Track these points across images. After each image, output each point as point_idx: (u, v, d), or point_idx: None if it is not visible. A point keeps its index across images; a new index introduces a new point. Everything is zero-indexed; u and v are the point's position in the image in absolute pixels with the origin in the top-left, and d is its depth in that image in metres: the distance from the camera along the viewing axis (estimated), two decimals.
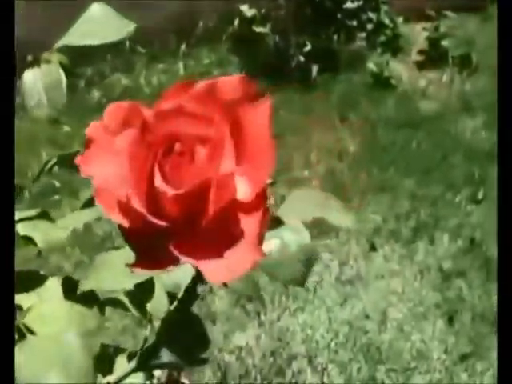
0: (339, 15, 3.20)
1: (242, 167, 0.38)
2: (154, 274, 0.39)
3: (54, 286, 0.60)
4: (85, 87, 3.06)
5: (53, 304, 0.58)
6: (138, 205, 0.37)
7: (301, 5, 3.14)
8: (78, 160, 0.39)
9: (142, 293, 0.57)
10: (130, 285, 0.53)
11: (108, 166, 0.38)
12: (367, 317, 1.89)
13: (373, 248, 2.16)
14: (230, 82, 0.39)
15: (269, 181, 0.40)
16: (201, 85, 0.39)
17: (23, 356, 0.51)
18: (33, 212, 0.66)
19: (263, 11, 3.20)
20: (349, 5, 3.20)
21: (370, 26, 3.31)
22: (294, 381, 1.73)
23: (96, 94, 3.03)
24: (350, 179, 2.47)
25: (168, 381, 0.58)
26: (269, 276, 0.43)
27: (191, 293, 0.47)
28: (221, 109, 0.39)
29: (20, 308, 0.59)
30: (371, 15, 3.31)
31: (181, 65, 3.18)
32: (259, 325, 1.89)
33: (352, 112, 2.89)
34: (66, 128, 2.74)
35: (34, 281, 0.62)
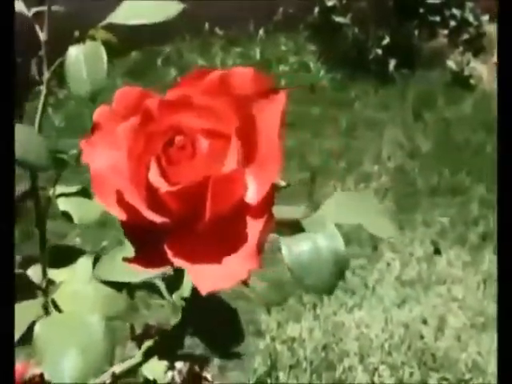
0: (422, 10, 3.13)
1: (249, 167, 0.36)
2: (150, 273, 0.36)
3: (85, 264, 0.58)
4: (161, 65, 3.10)
5: (82, 283, 0.56)
6: (132, 198, 0.35)
7: None
8: (82, 144, 0.37)
9: (174, 279, 0.55)
10: (137, 278, 0.50)
11: (107, 155, 0.36)
12: (424, 321, 1.86)
13: (437, 251, 2.11)
14: (244, 75, 0.36)
15: (283, 183, 0.37)
16: (214, 75, 0.36)
17: (44, 332, 0.50)
18: (73, 188, 0.66)
19: (344, 1, 3.15)
20: (432, 0, 3.12)
21: (453, 23, 3.22)
22: (343, 377, 1.72)
23: (172, 72, 3.06)
24: (420, 178, 2.42)
25: (189, 374, 0.57)
26: (296, 281, 0.40)
27: None
28: (232, 103, 0.36)
29: (52, 283, 0.58)
30: (455, 12, 3.22)
31: (257, 50, 3.18)
32: (314, 317, 1.87)
33: (427, 110, 2.83)
34: None
35: (67, 257, 0.60)
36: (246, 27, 3.23)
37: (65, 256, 0.60)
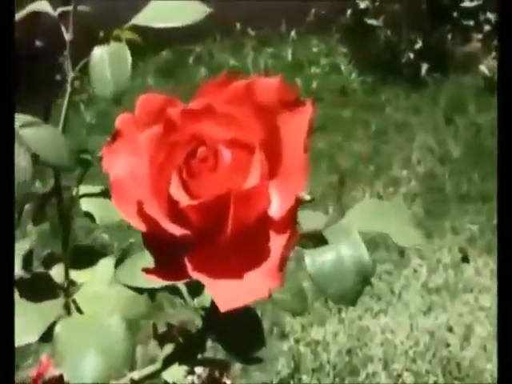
0: (455, 14, 3.09)
1: (273, 180, 0.35)
2: (168, 283, 0.35)
3: (107, 266, 0.58)
4: (192, 65, 3.11)
5: (103, 284, 0.56)
6: (152, 210, 0.34)
7: (416, 0, 3.05)
8: (103, 151, 0.36)
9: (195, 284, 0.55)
10: (158, 285, 0.49)
11: (128, 163, 0.35)
12: (450, 329, 1.83)
13: (465, 259, 2.09)
14: (269, 85, 0.35)
15: (307, 197, 0.36)
16: (238, 83, 0.35)
17: (65, 332, 0.50)
18: (96, 189, 0.66)
19: (377, 3, 3.13)
20: (467, 3, 3.08)
21: (487, 28, 3.18)
22: (367, 382, 1.71)
23: (203, 71, 3.07)
24: (450, 184, 2.40)
25: (208, 379, 0.57)
26: (319, 290, 0.40)
27: None
28: (256, 112, 0.34)
29: (73, 283, 0.58)
30: (490, 16, 3.18)
31: (289, 51, 3.17)
32: (339, 321, 1.86)
33: (459, 115, 2.80)
34: None
35: (88, 258, 0.60)
36: (278, 28, 3.22)
37: (86, 257, 0.60)
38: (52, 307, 0.52)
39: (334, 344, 1.80)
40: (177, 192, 0.34)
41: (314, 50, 3.22)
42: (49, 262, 0.61)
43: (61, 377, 0.46)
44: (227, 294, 0.32)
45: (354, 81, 2.97)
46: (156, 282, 0.34)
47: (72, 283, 0.58)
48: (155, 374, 0.45)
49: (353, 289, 0.40)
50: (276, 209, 0.34)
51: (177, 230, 0.33)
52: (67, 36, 0.60)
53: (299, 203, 0.35)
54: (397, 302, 1.91)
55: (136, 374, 0.44)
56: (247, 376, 1.71)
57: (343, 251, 0.40)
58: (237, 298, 0.32)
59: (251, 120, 0.34)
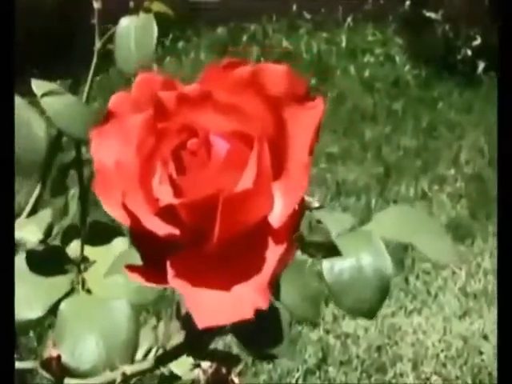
0: None
1: (277, 181, 0.30)
2: (148, 285, 0.30)
3: (120, 245, 0.55)
4: (246, 42, 3.08)
5: None
6: (134, 204, 0.29)
7: None
8: (91, 133, 0.32)
9: None
10: None
11: (117, 149, 0.31)
12: (485, 337, 1.79)
13: None
14: (277, 72, 0.30)
15: (316, 204, 0.32)
16: (243, 69, 0.30)
17: (68, 311, 0.48)
18: None
19: None
20: None
21: None
22: (394, 382, 1.68)
23: (255, 50, 3.04)
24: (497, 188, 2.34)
25: (214, 374, 0.55)
26: (334, 300, 0.36)
27: None
28: (262, 103, 0.30)
29: (86, 260, 0.55)
30: None
31: (343, 37, 3.12)
32: None
33: None
34: None
35: (104, 235, 0.57)
36: (334, 13, 3.17)
37: (102, 233, 0.57)
38: (61, 283, 0.50)
39: (364, 339, 1.78)
40: (159, 187, 0.30)
41: (370, 38, 3.16)
42: (67, 236, 0.59)
43: (58, 357, 0.44)
44: (209, 308, 0.28)
45: (407, 73, 2.92)
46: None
47: (85, 259, 0.56)
48: (151, 370, 0.42)
49: (370, 302, 0.37)
50: (277, 215, 0.29)
51: (160, 230, 0.29)
52: (96, 4, 0.58)
53: (303, 210, 0.31)
54: (432, 303, 1.88)
55: (128, 369, 0.42)
56: (274, 362, 1.69)
57: (364, 259, 0.37)
58: (219, 314, 0.28)
59: (255, 111, 0.30)
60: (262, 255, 0.29)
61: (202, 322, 0.28)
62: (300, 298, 0.45)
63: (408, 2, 3.13)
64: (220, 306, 0.28)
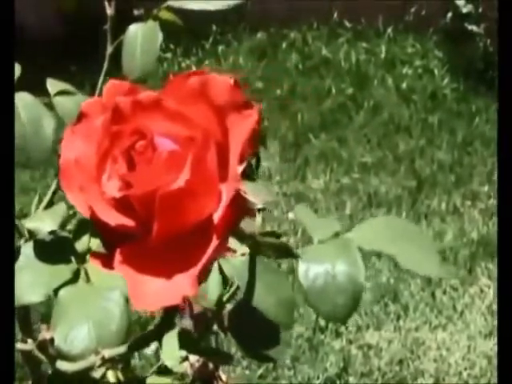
0: None
1: (223, 182, 0.34)
2: (106, 271, 0.34)
3: None
4: (286, 48, 3.09)
5: None
6: (90, 197, 0.33)
7: None
8: (65, 131, 0.36)
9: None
10: None
11: (81, 147, 0.35)
12: None
13: None
14: (222, 83, 0.33)
15: (259, 205, 0.34)
16: (194, 80, 0.34)
17: (66, 298, 0.50)
18: None
19: (480, 10, 3.03)
20: None
21: None
22: None
23: (294, 58, 3.05)
24: None
25: (201, 369, 0.55)
26: (310, 306, 0.38)
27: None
28: (208, 111, 0.33)
29: (90, 251, 0.56)
30: None
31: (383, 48, 3.11)
32: (395, 329, 1.83)
33: None
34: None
35: None
36: (374, 23, 3.16)
37: None
38: (63, 271, 0.52)
39: (386, 351, 1.77)
40: (106, 183, 0.34)
41: (409, 50, 3.14)
42: (80, 230, 0.60)
43: (51, 340, 0.46)
44: (146, 293, 0.32)
45: (445, 87, 2.89)
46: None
47: (90, 251, 0.57)
48: (126, 354, 0.44)
49: (343, 308, 0.38)
50: (219, 214, 0.33)
51: (112, 220, 0.33)
52: (109, 10, 0.60)
53: (245, 211, 0.33)
54: (457, 320, 1.86)
55: (106, 353, 0.44)
56: (295, 368, 1.70)
57: (337, 267, 0.38)
58: (153, 299, 0.32)
59: (202, 118, 0.33)
60: (207, 249, 0.32)
61: (137, 305, 0.32)
62: (274, 302, 0.46)
63: (450, 15, 3.11)
64: (156, 293, 0.32)
